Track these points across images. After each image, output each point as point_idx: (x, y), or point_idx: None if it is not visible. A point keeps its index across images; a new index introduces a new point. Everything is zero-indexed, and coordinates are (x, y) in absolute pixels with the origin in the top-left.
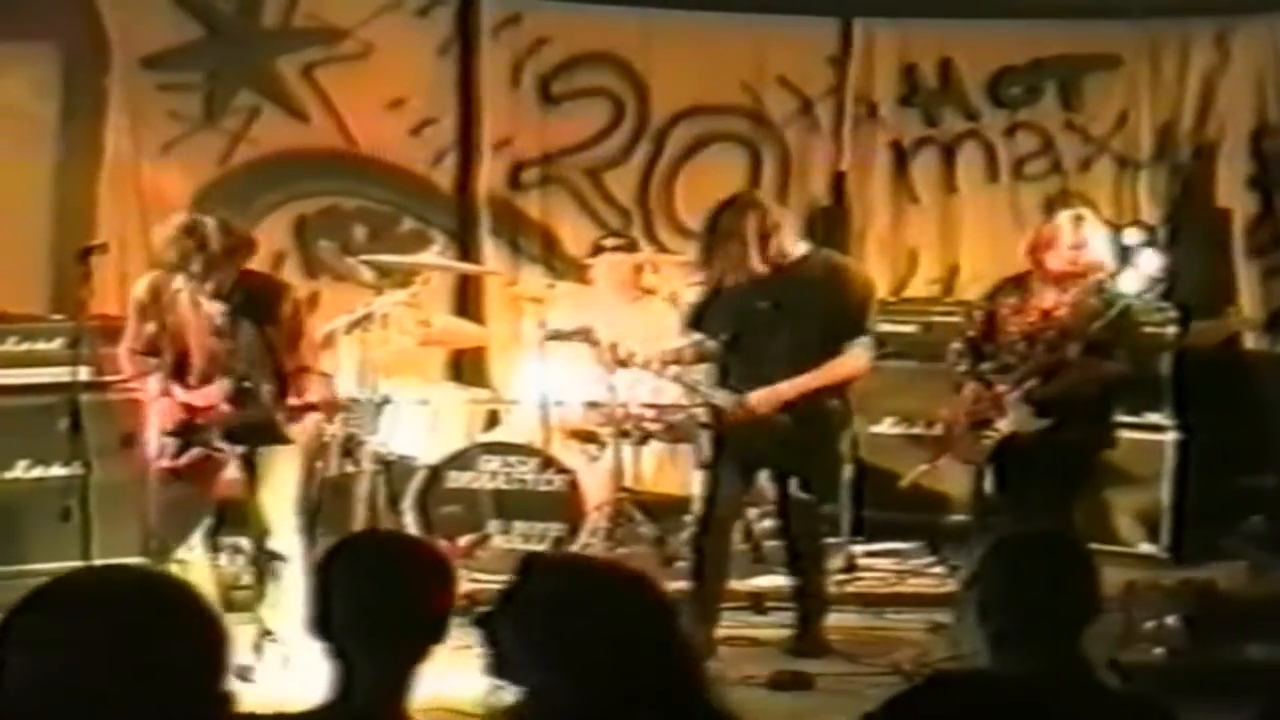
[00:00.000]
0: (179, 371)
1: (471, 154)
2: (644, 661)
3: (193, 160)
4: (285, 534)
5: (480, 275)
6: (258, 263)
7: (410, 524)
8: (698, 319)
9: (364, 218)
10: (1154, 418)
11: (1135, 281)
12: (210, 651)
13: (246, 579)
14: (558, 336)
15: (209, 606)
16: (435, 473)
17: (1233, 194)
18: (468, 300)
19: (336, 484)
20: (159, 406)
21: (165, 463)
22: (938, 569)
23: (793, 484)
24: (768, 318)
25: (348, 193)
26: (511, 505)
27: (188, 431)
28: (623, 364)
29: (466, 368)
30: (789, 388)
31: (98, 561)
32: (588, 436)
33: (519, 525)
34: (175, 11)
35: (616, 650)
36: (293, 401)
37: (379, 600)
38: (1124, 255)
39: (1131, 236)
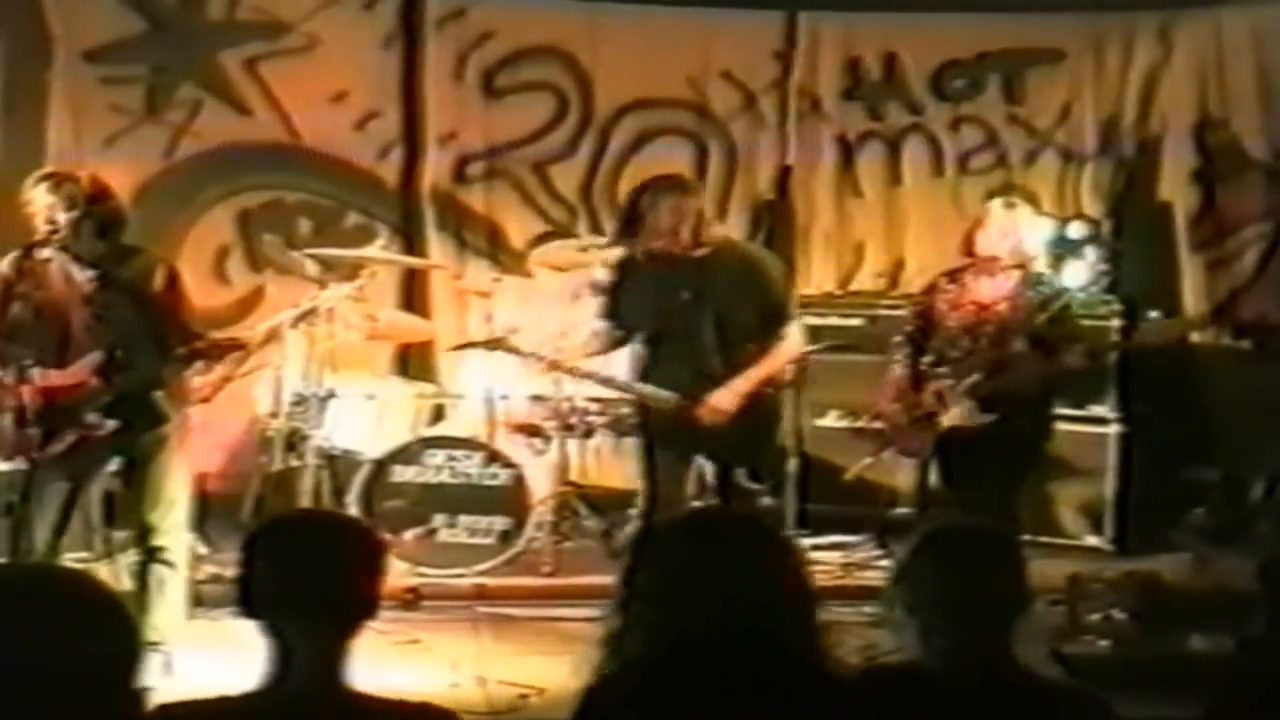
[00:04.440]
0: (55, 352)
1: (416, 148)
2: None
3: (135, 154)
4: (169, 534)
5: (426, 269)
6: (202, 256)
7: None
8: (612, 309)
9: (308, 211)
10: (1098, 410)
11: (1079, 275)
12: (121, 649)
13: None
14: (470, 345)
15: (120, 605)
16: (380, 467)
17: (1176, 188)
18: (413, 294)
19: (280, 478)
20: (12, 396)
21: (25, 454)
22: (883, 562)
23: (739, 474)
24: (691, 309)
25: (292, 186)
26: (457, 499)
27: (49, 418)
28: (554, 368)
29: (412, 362)
30: (744, 382)
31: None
32: (533, 430)
33: (464, 519)
34: (117, 5)
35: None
36: (179, 351)
37: (311, 578)
38: (1068, 249)
39: (1075, 230)
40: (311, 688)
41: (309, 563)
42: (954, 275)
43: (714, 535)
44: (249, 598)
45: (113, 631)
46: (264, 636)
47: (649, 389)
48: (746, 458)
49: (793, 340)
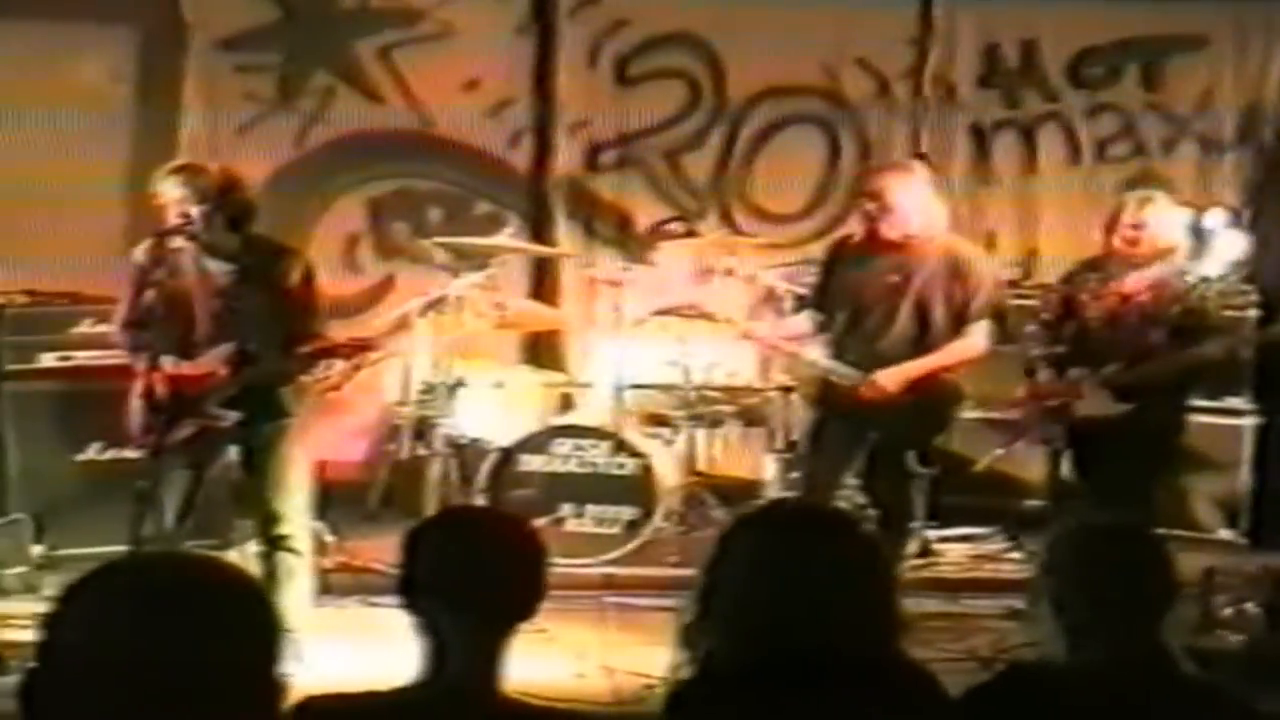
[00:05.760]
0: (182, 342)
1: (547, 136)
2: (833, 616)
3: (268, 142)
4: (293, 521)
5: (555, 258)
6: (333, 244)
7: None
8: (819, 296)
9: (438, 199)
10: (1234, 402)
11: (1217, 265)
12: (266, 638)
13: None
14: (665, 312)
15: (261, 592)
16: (508, 456)
17: None
18: (542, 283)
19: (409, 467)
20: (144, 382)
21: (150, 441)
22: (1014, 554)
23: (909, 457)
24: (894, 292)
25: (422, 174)
26: (584, 489)
27: (175, 406)
28: (746, 336)
29: (541, 351)
30: (916, 367)
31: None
32: (661, 420)
33: (592, 509)
34: None
35: (805, 606)
36: (306, 349)
37: (473, 575)
38: (1206, 238)
39: (1214, 219)
40: (466, 686)
41: (473, 560)
42: (1096, 265)
43: (790, 529)
44: (410, 591)
45: (254, 618)
46: (421, 632)
47: (834, 364)
48: (920, 441)
49: (976, 339)
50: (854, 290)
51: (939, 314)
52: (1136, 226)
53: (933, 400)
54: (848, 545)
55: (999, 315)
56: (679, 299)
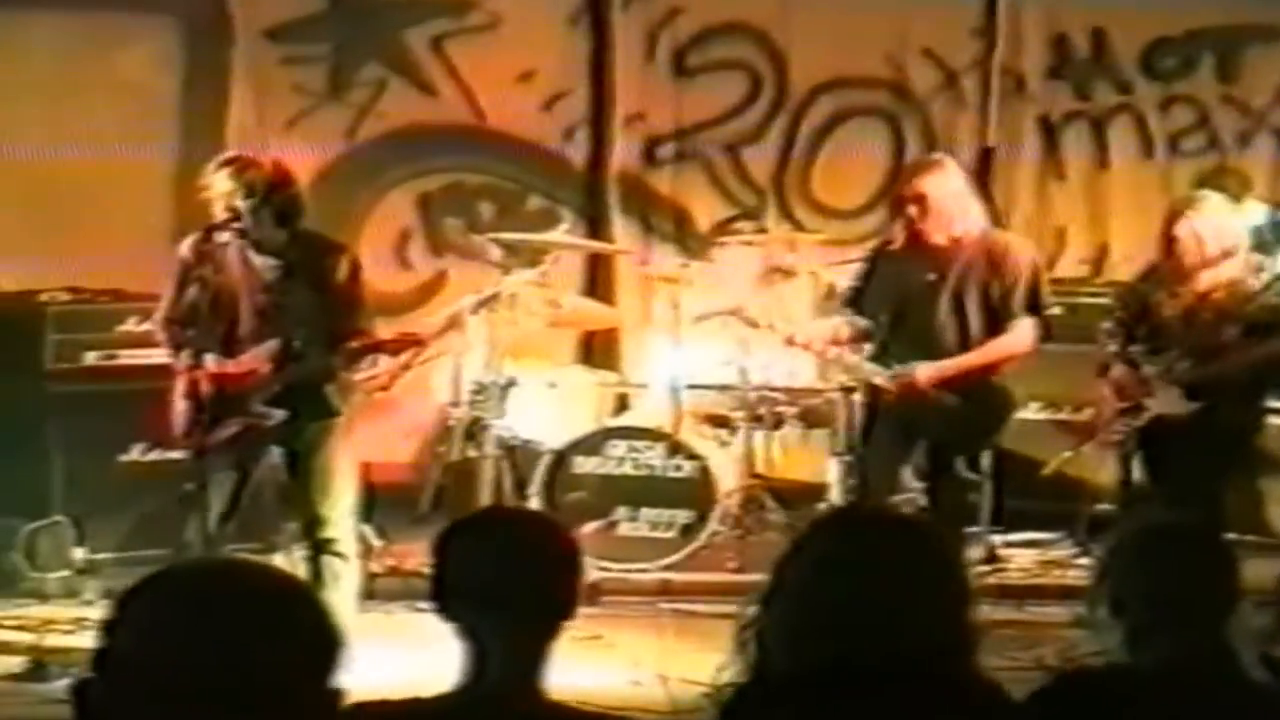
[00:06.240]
0: (226, 338)
1: (603, 129)
2: (906, 625)
3: (317, 135)
4: (339, 525)
5: (611, 254)
6: (383, 240)
7: None
8: (857, 297)
9: (490, 194)
10: None
11: None
12: (321, 646)
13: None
14: (708, 317)
15: (319, 601)
16: (561, 458)
17: None
18: (598, 280)
19: (460, 469)
20: (187, 380)
21: (193, 441)
22: (1083, 561)
23: (959, 463)
24: (932, 290)
25: (475, 169)
26: (639, 491)
27: (219, 404)
28: (789, 343)
29: (596, 350)
30: (952, 364)
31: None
32: (719, 421)
33: (647, 512)
34: None
35: (876, 614)
36: (351, 345)
37: (507, 578)
38: None
39: None
40: (506, 691)
41: (506, 561)
42: (1166, 265)
43: (865, 532)
44: (443, 595)
45: (311, 626)
46: (459, 636)
47: (869, 365)
48: (968, 446)
49: (1019, 335)
50: (895, 293)
51: (975, 308)
52: (1184, 233)
53: (980, 405)
54: (924, 553)
55: (1038, 307)
56: (735, 298)
